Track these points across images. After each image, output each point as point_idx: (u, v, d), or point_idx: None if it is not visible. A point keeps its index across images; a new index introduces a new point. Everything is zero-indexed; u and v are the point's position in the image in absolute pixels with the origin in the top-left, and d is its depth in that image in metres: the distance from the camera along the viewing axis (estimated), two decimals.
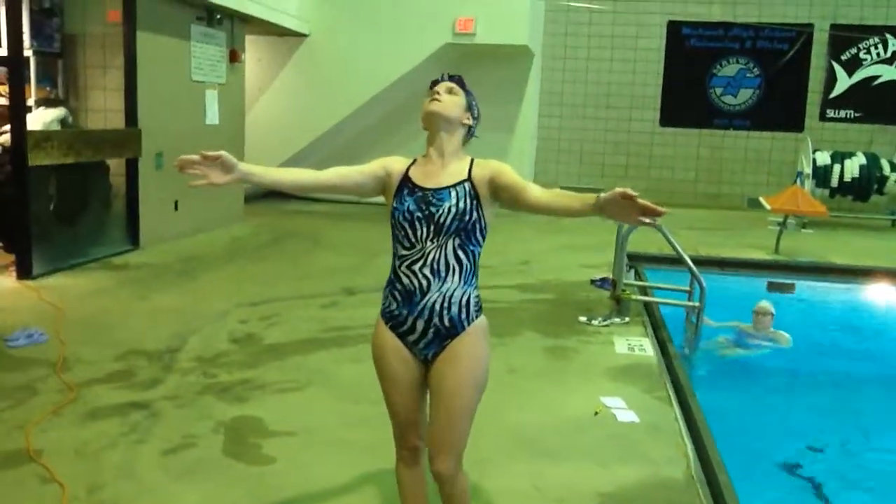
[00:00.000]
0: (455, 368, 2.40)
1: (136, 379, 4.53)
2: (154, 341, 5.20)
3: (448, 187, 2.40)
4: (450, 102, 2.47)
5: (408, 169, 2.49)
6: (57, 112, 7.63)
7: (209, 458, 3.56)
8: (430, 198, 2.40)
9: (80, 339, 5.15)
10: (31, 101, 7.46)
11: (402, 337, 2.46)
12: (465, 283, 2.41)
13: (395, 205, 2.44)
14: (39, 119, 7.40)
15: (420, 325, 2.41)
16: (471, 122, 2.52)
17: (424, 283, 2.38)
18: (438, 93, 2.48)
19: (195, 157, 2.27)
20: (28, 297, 6.16)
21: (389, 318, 2.47)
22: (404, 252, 2.42)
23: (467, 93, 2.53)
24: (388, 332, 2.48)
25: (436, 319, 2.39)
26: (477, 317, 2.44)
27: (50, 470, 3.34)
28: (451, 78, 2.54)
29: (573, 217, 2.32)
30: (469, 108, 2.51)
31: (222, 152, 2.30)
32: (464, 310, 2.41)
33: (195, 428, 3.87)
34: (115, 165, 8.14)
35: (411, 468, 2.61)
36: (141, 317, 5.82)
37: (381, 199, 2.54)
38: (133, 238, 8.23)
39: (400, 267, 2.43)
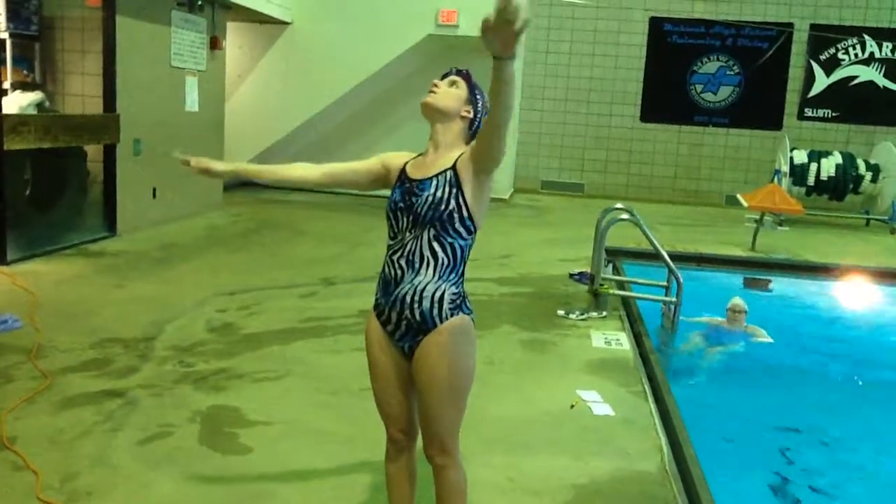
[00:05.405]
0: (424, 366, 2.39)
1: (111, 367, 4.50)
2: (130, 329, 5.17)
3: (431, 177, 2.39)
4: (445, 94, 2.46)
5: (407, 163, 2.51)
6: (34, 96, 7.53)
7: (185, 448, 3.55)
8: (414, 188, 2.40)
9: (55, 327, 5.11)
10: (6, 84, 7.36)
11: (383, 327, 2.48)
12: (440, 278, 2.37)
13: (389, 197, 2.48)
14: (15, 103, 7.30)
15: (394, 316, 2.42)
16: (471, 115, 2.49)
17: (399, 273, 2.39)
18: (436, 84, 2.48)
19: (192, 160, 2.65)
20: (2, 283, 6.09)
21: (375, 306, 2.50)
22: (390, 242, 2.46)
23: (472, 87, 2.51)
24: (375, 321, 2.50)
25: (407, 312, 2.38)
26: (453, 315, 2.38)
27: (23, 457, 3.31)
28: (459, 72, 2.53)
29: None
30: (470, 101, 2.49)
31: (214, 167, 2.67)
32: (436, 306, 2.36)
33: (171, 417, 3.85)
34: (93, 151, 8.05)
35: (394, 461, 2.60)
36: (117, 304, 5.77)
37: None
38: (110, 225, 8.15)
39: (386, 256, 2.46)
